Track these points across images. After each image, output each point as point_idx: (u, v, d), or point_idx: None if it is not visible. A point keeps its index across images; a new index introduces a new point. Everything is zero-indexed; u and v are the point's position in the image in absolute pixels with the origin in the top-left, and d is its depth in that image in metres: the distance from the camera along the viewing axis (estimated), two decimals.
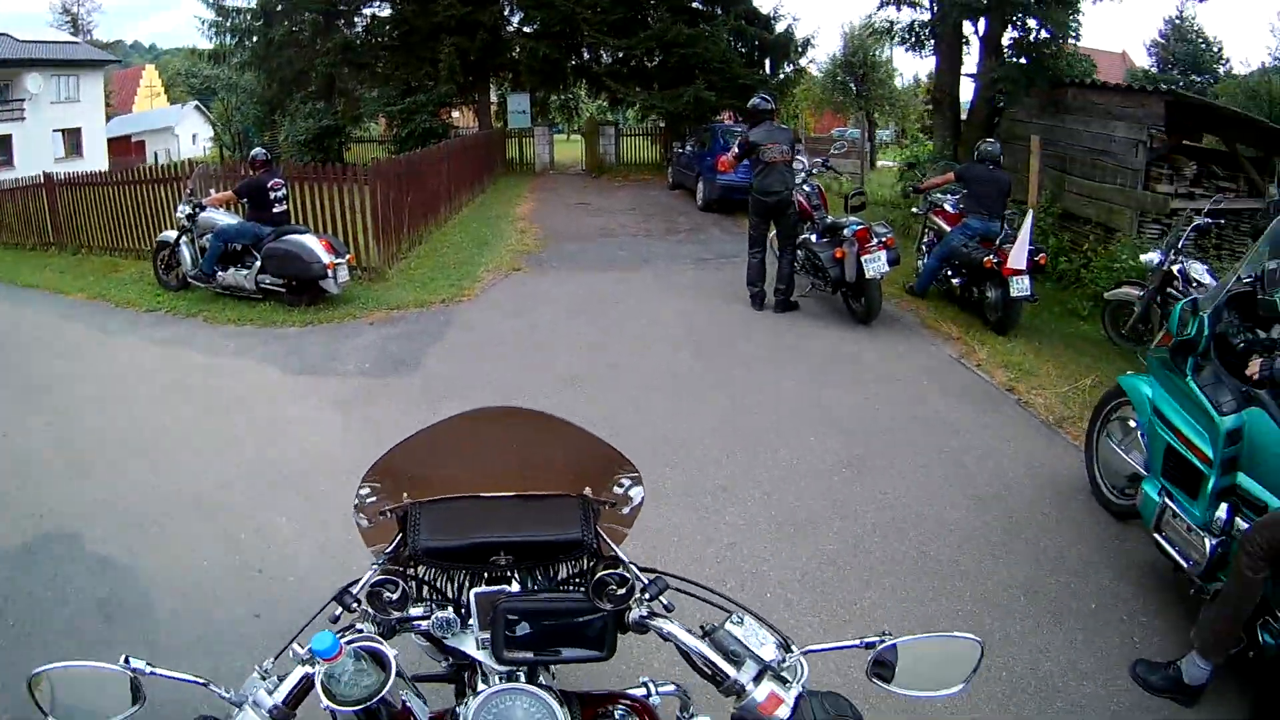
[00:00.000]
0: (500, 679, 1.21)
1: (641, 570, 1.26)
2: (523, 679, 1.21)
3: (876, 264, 6.58)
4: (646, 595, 1.22)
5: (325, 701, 1.06)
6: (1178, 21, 34.03)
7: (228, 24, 22.34)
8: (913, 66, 47.19)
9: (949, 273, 7.48)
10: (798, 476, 4.25)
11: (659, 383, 5.56)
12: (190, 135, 40.34)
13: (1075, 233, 9.14)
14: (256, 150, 7.91)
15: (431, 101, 19.17)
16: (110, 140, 36.27)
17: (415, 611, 1.26)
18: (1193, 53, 33.48)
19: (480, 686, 1.21)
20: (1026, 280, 6.40)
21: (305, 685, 1.12)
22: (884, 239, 6.62)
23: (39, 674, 1.09)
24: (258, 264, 7.61)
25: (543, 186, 16.99)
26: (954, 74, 13.28)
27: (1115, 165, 8.97)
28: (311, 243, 7.47)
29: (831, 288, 7.20)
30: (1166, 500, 3.05)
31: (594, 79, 21.25)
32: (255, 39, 21.89)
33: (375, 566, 1.26)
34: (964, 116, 13.37)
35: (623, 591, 1.20)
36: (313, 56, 20.88)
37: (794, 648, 1.17)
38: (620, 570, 1.21)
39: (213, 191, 8.41)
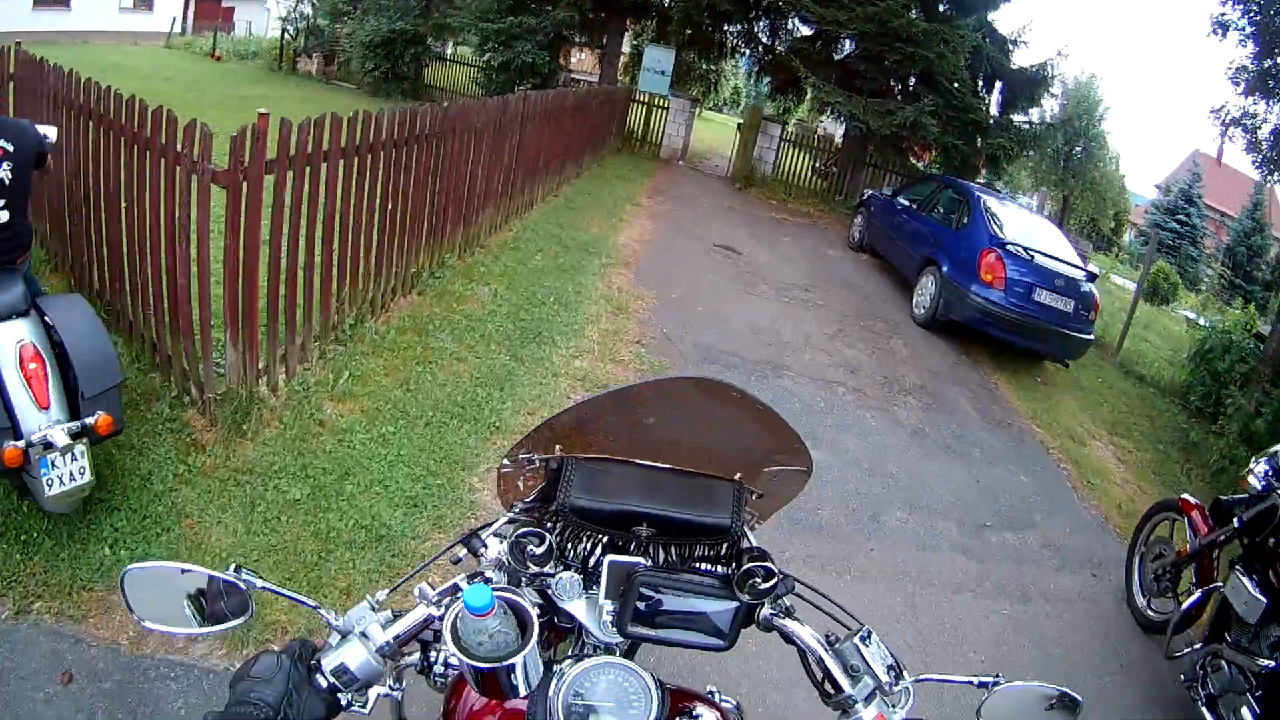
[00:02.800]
0: (600, 651, 1.13)
1: None
2: (619, 655, 1.13)
3: None
4: (777, 592, 1.16)
5: (452, 649, 0.95)
6: None
7: None
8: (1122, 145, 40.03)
9: None
10: None
11: None
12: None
13: None
14: None
15: (542, 29, 13.73)
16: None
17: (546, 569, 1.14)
18: None
19: (580, 652, 1.14)
20: None
21: (422, 627, 1.05)
22: None
23: (130, 572, 1.02)
24: None
25: (668, 190, 11.43)
26: None
27: None
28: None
29: None
30: None
31: (767, 53, 15.56)
32: None
33: (509, 515, 1.21)
34: None
35: (766, 586, 1.12)
36: None
37: (906, 674, 1.10)
38: (767, 564, 1.12)
39: None
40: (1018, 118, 14.06)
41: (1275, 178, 9.73)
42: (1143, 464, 6.25)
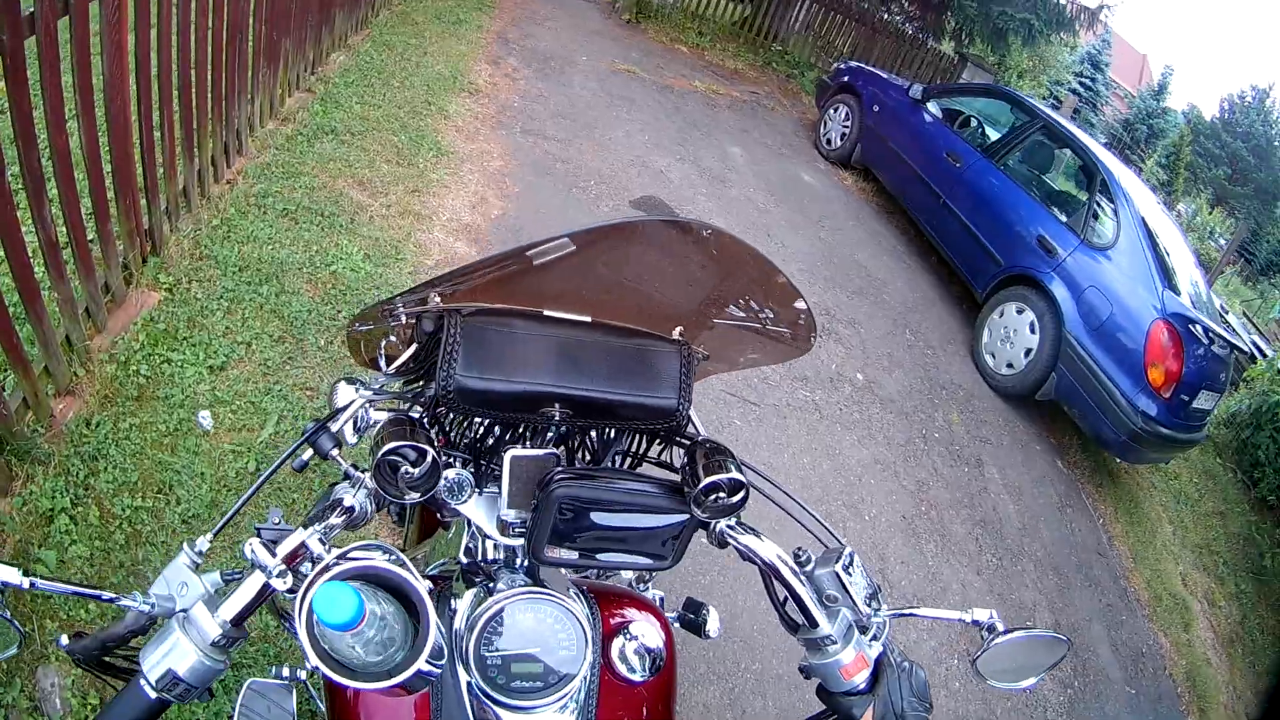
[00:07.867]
0: (500, 567, 0.86)
1: None
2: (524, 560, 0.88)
3: None
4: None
5: (319, 664, 0.65)
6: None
7: None
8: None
9: None
10: None
11: None
12: None
13: None
14: None
15: None
16: None
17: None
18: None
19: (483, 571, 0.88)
20: None
21: (260, 599, 0.73)
22: None
23: None
24: None
25: (522, 42, 6.56)
26: None
27: None
28: None
29: None
30: None
31: None
32: None
33: (368, 395, 0.85)
34: None
35: (735, 500, 0.82)
36: None
37: (883, 600, 0.86)
38: (733, 474, 0.81)
39: None
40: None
41: None
42: None
